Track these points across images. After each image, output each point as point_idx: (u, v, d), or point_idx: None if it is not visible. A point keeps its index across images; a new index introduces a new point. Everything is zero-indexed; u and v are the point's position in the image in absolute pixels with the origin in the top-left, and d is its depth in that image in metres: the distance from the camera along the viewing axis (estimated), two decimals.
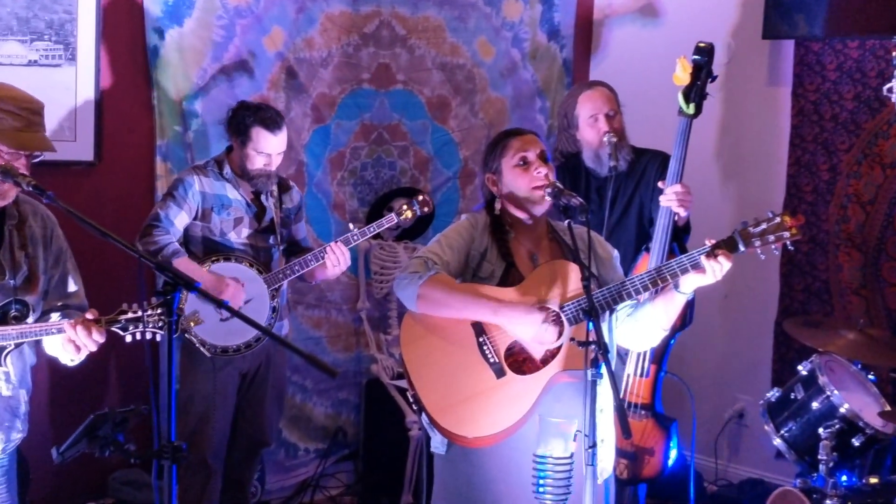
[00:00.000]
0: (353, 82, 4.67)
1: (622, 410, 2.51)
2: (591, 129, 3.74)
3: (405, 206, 3.89)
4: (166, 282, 2.34)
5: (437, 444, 2.77)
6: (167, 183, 3.99)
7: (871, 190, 4.34)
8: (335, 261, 3.71)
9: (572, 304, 2.68)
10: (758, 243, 2.61)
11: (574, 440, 2.50)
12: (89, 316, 2.60)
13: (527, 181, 2.77)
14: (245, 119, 3.68)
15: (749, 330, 4.77)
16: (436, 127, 4.93)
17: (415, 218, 3.96)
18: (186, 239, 3.71)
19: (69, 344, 2.60)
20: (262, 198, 3.80)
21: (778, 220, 2.61)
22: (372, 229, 3.83)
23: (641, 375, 3.74)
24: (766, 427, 3.60)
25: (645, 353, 3.71)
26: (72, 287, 2.84)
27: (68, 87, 3.87)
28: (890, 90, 3.81)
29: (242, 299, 3.61)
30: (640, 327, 2.78)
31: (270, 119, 3.68)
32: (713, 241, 2.62)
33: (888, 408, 3.47)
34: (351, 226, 3.87)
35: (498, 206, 2.83)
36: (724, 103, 4.77)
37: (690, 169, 3.63)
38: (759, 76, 4.72)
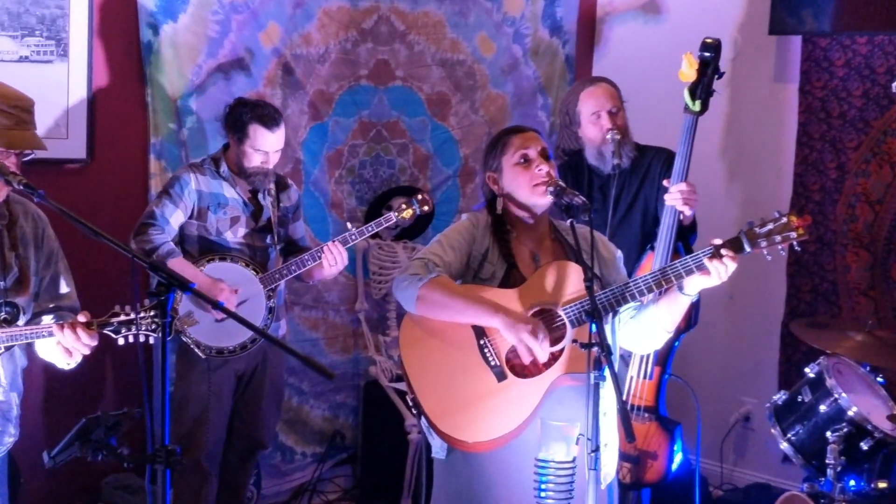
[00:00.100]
0: (352, 79, 4.63)
1: (625, 413, 2.49)
2: (593, 127, 3.72)
3: (404, 205, 3.87)
4: (160, 282, 2.33)
5: (437, 448, 2.74)
6: (161, 181, 3.96)
7: (880, 189, 4.32)
8: (332, 261, 3.68)
9: (575, 305, 2.65)
10: (764, 244, 2.60)
11: (576, 444, 2.49)
12: (81, 318, 2.58)
13: (528, 179, 2.74)
14: (242, 116, 3.65)
15: (755, 331, 4.74)
16: (435, 124, 4.90)
17: (414, 217, 3.93)
18: (182, 238, 3.68)
19: (59, 347, 2.59)
20: (260, 196, 3.76)
21: (784, 220, 2.60)
22: (370, 228, 3.80)
23: (645, 378, 3.71)
24: (772, 430, 3.59)
25: (649, 354, 3.68)
26: (63, 288, 2.82)
27: (60, 84, 3.82)
28: None
29: (235, 304, 3.57)
30: (643, 329, 2.76)
31: (268, 116, 3.65)
32: (718, 242, 2.59)
33: None
34: (349, 225, 3.83)
35: (500, 205, 2.79)
36: (730, 100, 4.74)
37: (695, 167, 3.60)
38: (765, 72, 4.69)
